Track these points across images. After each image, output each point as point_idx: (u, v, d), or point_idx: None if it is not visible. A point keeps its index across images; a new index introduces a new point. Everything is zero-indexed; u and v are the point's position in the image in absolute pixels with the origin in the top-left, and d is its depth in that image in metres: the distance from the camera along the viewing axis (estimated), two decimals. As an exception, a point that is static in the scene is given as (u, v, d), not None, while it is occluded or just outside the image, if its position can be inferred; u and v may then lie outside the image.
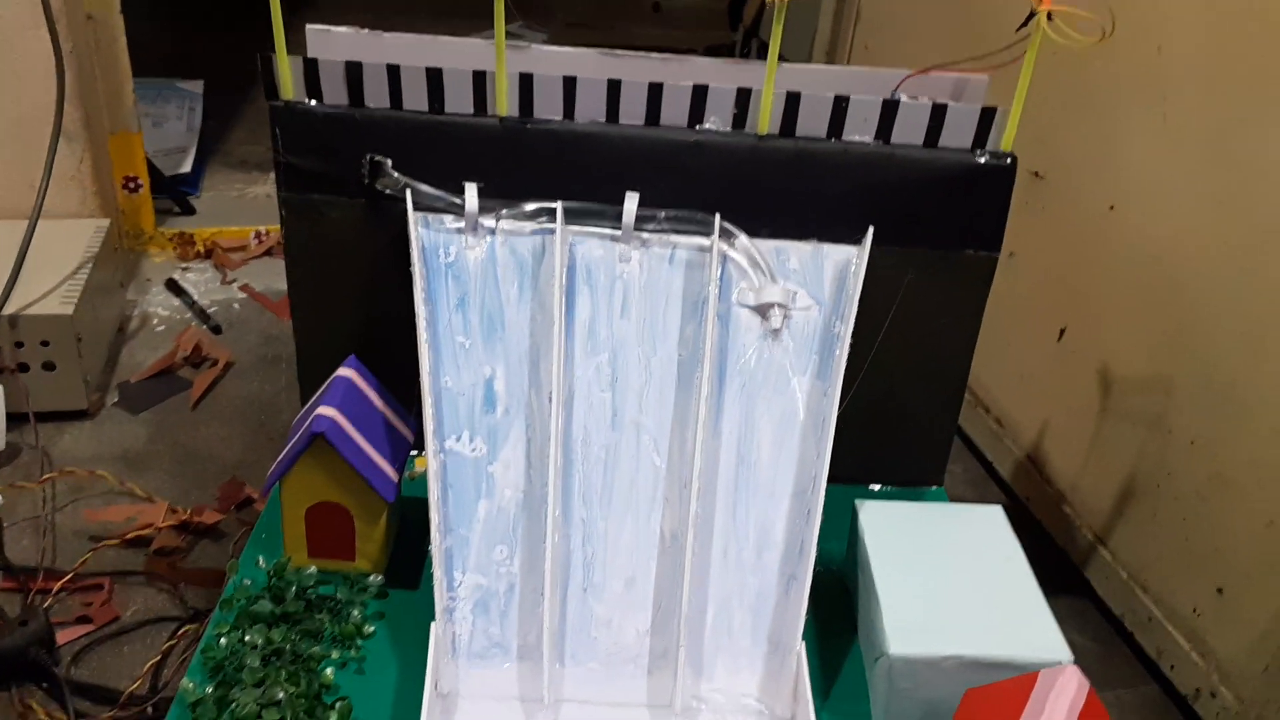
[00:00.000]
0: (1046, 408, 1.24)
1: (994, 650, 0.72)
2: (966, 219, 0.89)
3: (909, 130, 0.87)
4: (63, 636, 0.94)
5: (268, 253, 1.60)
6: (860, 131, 0.86)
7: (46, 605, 0.96)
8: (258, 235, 1.61)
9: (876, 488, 1.00)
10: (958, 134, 0.87)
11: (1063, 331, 1.20)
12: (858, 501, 0.85)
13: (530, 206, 0.87)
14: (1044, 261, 1.23)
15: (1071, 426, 1.19)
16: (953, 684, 0.72)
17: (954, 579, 0.78)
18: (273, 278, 1.55)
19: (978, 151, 0.88)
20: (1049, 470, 1.24)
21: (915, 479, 1.00)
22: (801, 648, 0.74)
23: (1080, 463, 1.17)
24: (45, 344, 1.18)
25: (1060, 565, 1.16)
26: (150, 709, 0.87)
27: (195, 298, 1.47)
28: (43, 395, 1.19)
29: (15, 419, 1.16)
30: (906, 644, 0.72)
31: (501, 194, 0.86)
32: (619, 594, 0.79)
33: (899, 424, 0.97)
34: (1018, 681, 0.68)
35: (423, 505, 0.84)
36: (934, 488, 1.01)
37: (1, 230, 1.30)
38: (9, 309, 1.16)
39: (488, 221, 0.87)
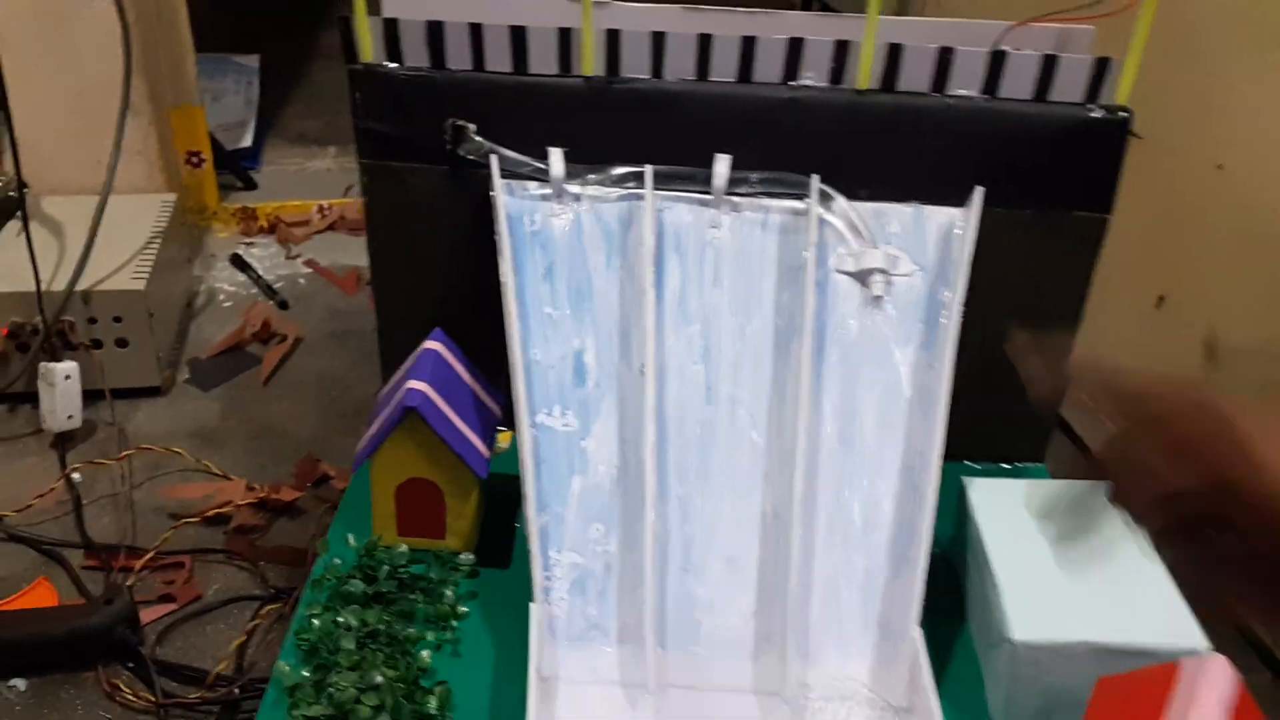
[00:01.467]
0: (1143, 378, 1.19)
1: (1126, 637, 0.68)
2: (1076, 178, 0.84)
3: (1017, 84, 0.82)
4: (146, 615, 0.93)
5: (330, 227, 1.58)
6: (965, 85, 0.82)
7: (129, 584, 0.95)
8: (320, 209, 1.59)
9: (974, 464, 0.95)
10: (1068, 87, 0.82)
11: (1162, 299, 1.15)
12: (966, 480, 0.81)
13: (617, 171, 0.83)
14: (1142, 225, 1.17)
15: (1172, 397, 1.13)
16: (1079, 672, 0.68)
17: (1074, 561, 0.74)
18: (337, 252, 1.53)
19: (1090, 106, 0.82)
20: (1146, 443, 1.18)
21: (1015, 455, 0.96)
22: (919, 633, 0.71)
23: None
24: (118, 320, 1.18)
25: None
26: (237, 690, 0.86)
27: (260, 273, 1.46)
28: (116, 372, 1.18)
29: (90, 396, 1.15)
30: (1031, 629, 0.69)
31: (587, 158, 0.83)
32: (720, 575, 0.76)
33: (1000, 397, 0.92)
34: (1156, 671, 0.63)
35: (505, 481, 0.81)
36: (1034, 464, 0.96)
37: (69, 206, 1.29)
38: (82, 284, 1.16)
39: (573, 187, 0.84)
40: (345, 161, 1.76)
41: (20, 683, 0.86)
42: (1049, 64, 0.81)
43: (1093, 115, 0.82)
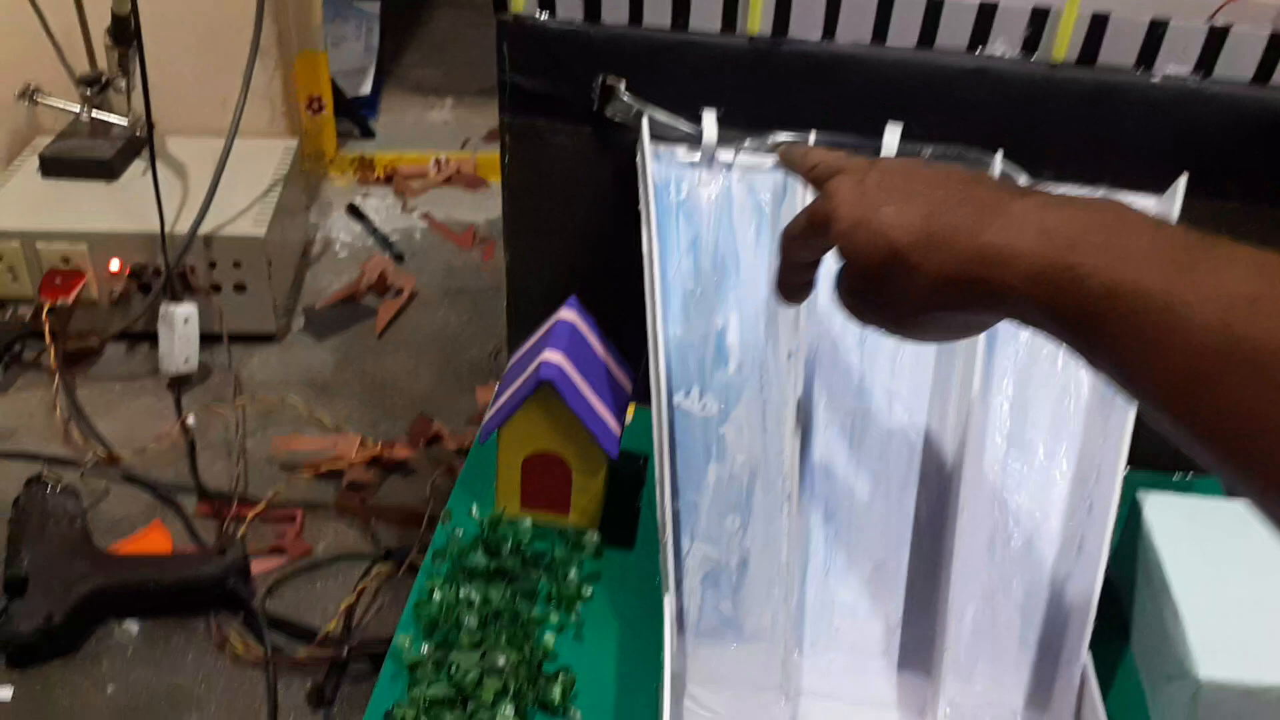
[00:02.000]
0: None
1: (1328, 685, 0.61)
2: (1292, 171, 0.75)
3: (1236, 63, 0.73)
4: (257, 567, 0.91)
5: (447, 181, 1.55)
6: (1176, 62, 0.73)
7: (241, 534, 0.94)
8: (437, 163, 1.57)
9: (1139, 473, 0.88)
10: (1292, 69, 0.73)
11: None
12: (1142, 493, 0.74)
13: (777, 138, 0.78)
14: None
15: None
16: (1268, 718, 0.61)
17: (1267, 590, 0.67)
18: (453, 207, 1.50)
19: (1316, 91, 0.74)
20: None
21: (1185, 464, 0.88)
22: (1088, 661, 0.65)
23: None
24: (237, 265, 1.16)
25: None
26: (346, 650, 0.84)
27: (376, 224, 1.44)
28: (233, 317, 1.17)
29: (207, 340, 1.15)
30: (1219, 667, 0.62)
31: (744, 124, 0.77)
32: (866, 580, 0.71)
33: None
34: (1365, 729, 0.57)
35: (626, 458, 0.77)
36: (1208, 476, 0.88)
37: (192, 147, 1.28)
38: (204, 229, 1.14)
39: (725, 155, 0.78)
40: (463, 114, 1.73)
41: (133, 625, 0.86)
42: (1275, 43, 0.72)
43: (1318, 102, 0.73)
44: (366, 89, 1.71)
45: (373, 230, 1.42)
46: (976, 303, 0.44)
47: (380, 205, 1.50)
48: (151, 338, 1.14)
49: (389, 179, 1.54)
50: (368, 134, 1.62)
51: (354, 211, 1.46)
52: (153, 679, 0.82)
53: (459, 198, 1.52)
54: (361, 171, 1.54)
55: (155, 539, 0.94)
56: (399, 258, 1.37)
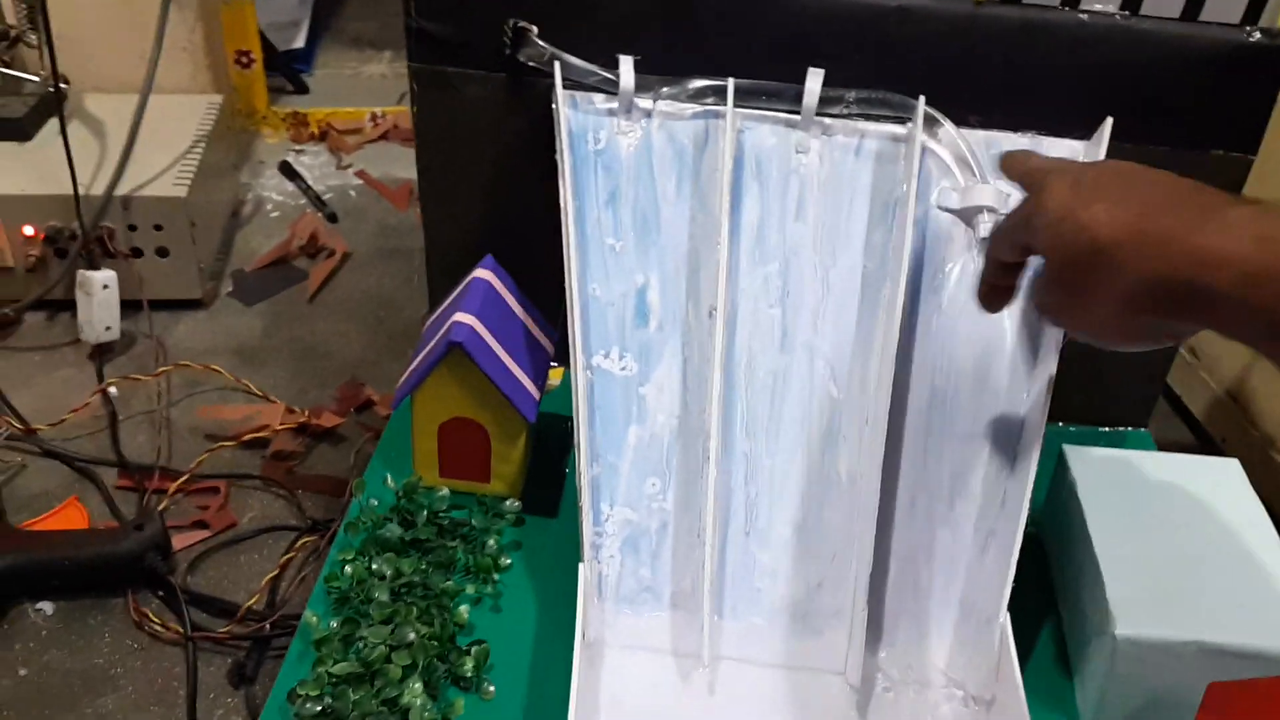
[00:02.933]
0: (1257, 338, 1.08)
1: (1245, 638, 0.60)
2: (1223, 112, 0.73)
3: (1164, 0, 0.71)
4: (178, 541, 0.89)
5: (383, 136, 1.50)
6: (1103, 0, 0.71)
7: (162, 508, 0.91)
8: (373, 117, 1.52)
9: (1071, 428, 0.87)
10: (1224, 5, 0.71)
11: (1289, 250, 1.03)
12: (1066, 448, 0.72)
13: (695, 83, 0.74)
14: (1271, 165, 1.05)
15: (1290, 361, 1.02)
16: (1187, 673, 0.60)
17: (1189, 547, 0.66)
18: (389, 163, 1.45)
19: (1248, 28, 0.71)
20: (1255, 410, 1.08)
21: (1116, 419, 0.87)
22: (1006, 620, 0.63)
23: (1297, 403, 1.01)
24: (159, 228, 1.12)
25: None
26: (268, 626, 0.81)
27: (310, 183, 1.39)
28: (156, 283, 1.13)
29: (129, 307, 1.10)
30: (1137, 623, 0.61)
31: (662, 69, 0.74)
32: (786, 541, 0.69)
33: (1104, 356, 0.83)
34: (1277, 683, 0.56)
35: (554, 421, 0.75)
36: (1138, 430, 0.87)
37: (109, 104, 1.23)
38: (121, 189, 1.10)
39: (644, 102, 0.75)
40: (401, 67, 1.67)
41: (48, 606, 0.83)
42: (1204, -24, 0.70)
43: (1250, 39, 0.71)
44: (300, 42, 1.65)
45: (305, 189, 1.38)
46: (1183, 308, 0.43)
47: (314, 163, 1.45)
48: (72, 306, 1.10)
49: (323, 135, 1.49)
50: (301, 89, 1.57)
51: (286, 169, 1.41)
52: (67, 660, 0.80)
53: (395, 153, 1.47)
54: (294, 128, 1.49)
55: (71, 515, 0.91)
56: (332, 218, 1.33)
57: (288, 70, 1.57)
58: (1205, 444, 1.12)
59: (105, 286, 1.08)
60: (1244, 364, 1.09)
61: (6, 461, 0.95)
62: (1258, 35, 0.71)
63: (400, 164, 1.45)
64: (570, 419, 0.69)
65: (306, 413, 1.01)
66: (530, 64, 0.75)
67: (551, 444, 0.81)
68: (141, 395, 1.04)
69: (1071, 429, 0.87)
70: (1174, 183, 0.46)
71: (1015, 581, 0.71)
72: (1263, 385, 1.07)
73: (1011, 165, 0.58)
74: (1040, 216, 0.48)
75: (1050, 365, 0.67)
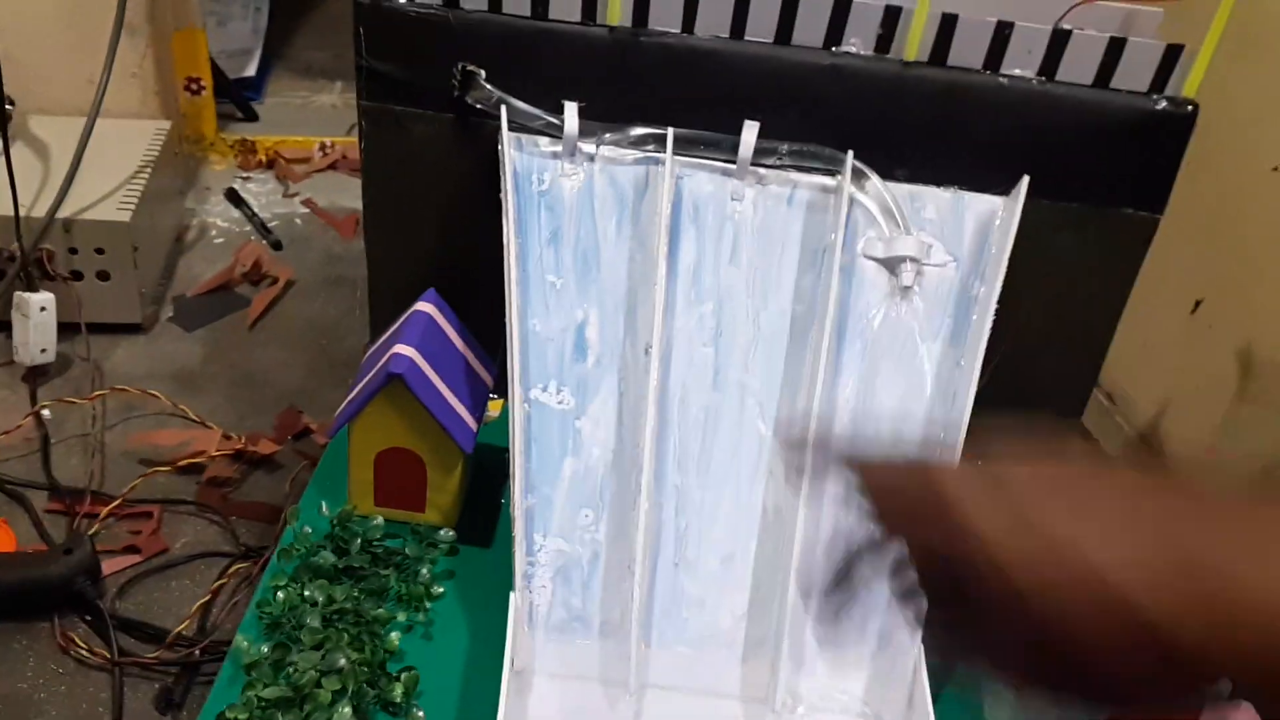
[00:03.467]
0: (1169, 385, 1.13)
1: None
2: (1132, 173, 0.78)
3: (1078, 66, 0.75)
4: (109, 566, 0.88)
5: (332, 166, 1.51)
6: (1022, 64, 0.75)
7: (92, 532, 0.90)
8: (322, 147, 1.53)
9: (991, 466, 0.90)
10: (1133, 74, 0.76)
11: (1198, 304, 1.09)
12: (984, 486, 0.75)
13: (636, 131, 0.77)
14: (1184, 225, 1.10)
15: (1199, 407, 1.08)
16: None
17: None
18: (337, 193, 1.46)
19: (1154, 96, 0.76)
20: (1166, 452, 1.13)
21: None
22: (919, 652, 0.66)
23: (1207, 447, 1.07)
24: (100, 252, 1.12)
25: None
26: (198, 652, 0.81)
27: (256, 210, 1.40)
28: (96, 306, 1.13)
29: (66, 330, 1.10)
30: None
31: (605, 115, 0.77)
32: (714, 572, 0.71)
33: (1025, 398, 0.87)
34: (1176, 717, 0.59)
35: (492, 454, 0.76)
36: (1054, 470, 0.91)
37: (56, 127, 1.22)
38: (63, 212, 1.10)
39: (587, 146, 0.78)
40: (351, 98, 1.67)
41: (-29, 628, 0.82)
42: (1115, 47, 0.75)
43: (1157, 107, 0.76)
44: (252, 70, 1.66)
45: (251, 216, 1.38)
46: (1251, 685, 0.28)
47: (261, 190, 1.46)
48: (6, 327, 1.09)
49: (271, 163, 1.50)
50: (251, 116, 1.57)
51: (233, 196, 1.42)
52: (-11, 685, 0.79)
53: (343, 183, 1.48)
54: (243, 155, 1.50)
55: (-2, 538, 0.90)
56: (277, 245, 1.34)
57: (238, 98, 1.57)
58: (1121, 487, 1.17)
59: (42, 309, 1.07)
60: (1157, 409, 1.15)
61: (-67, 483, 0.94)
62: (1164, 103, 0.76)
63: (348, 194, 1.46)
64: (508, 450, 0.70)
65: (243, 439, 1.01)
66: (478, 106, 0.77)
67: (489, 475, 0.82)
68: (76, 418, 1.04)
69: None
70: (1147, 484, 0.32)
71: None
72: (1174, 430, 1.12)
73: (860, 477, 0.38)
74: (982, 558, 0.31)
75: (966, 405, 0.71)
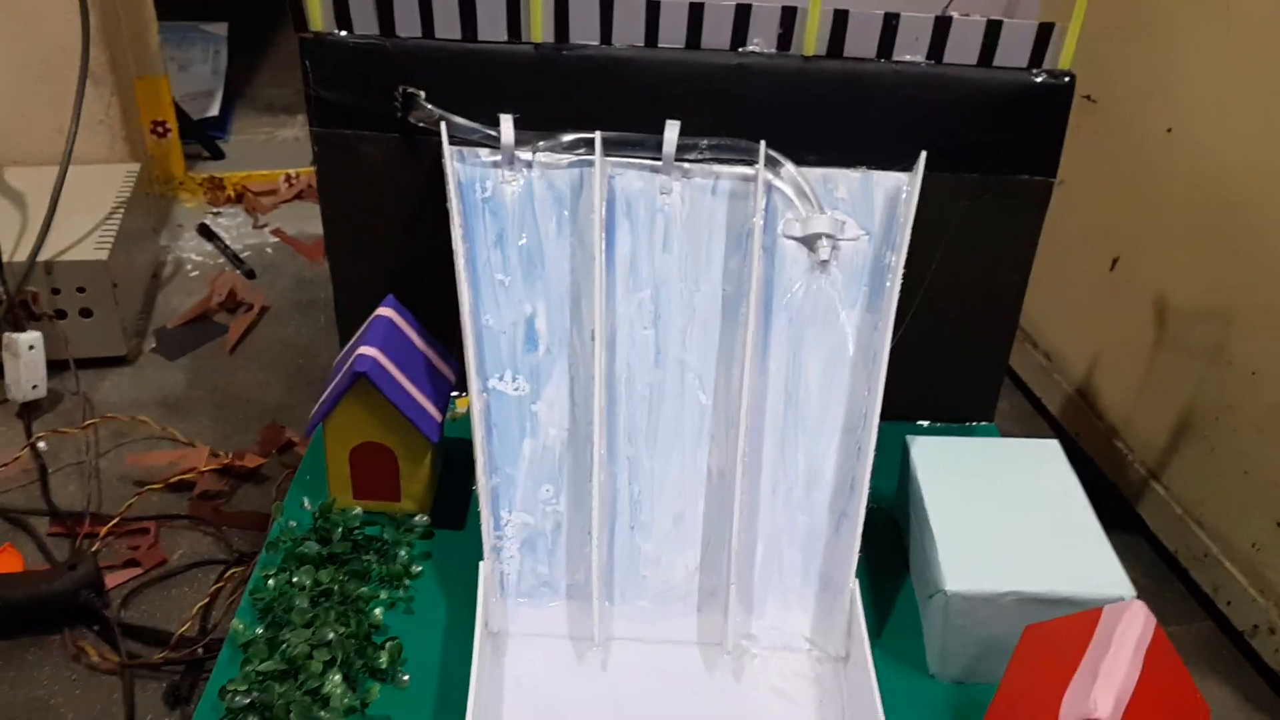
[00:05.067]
0: (1098, 341, 1.21)
1: (1053, 586, 0.70)
2: (1021, 142, 0.85)
3: (962, 49, 0.83)
4: (112, 580, 0.94)
5: (298, 196, 1.58)
6: (911, 51, 0.83)
7: (94, 549, 0.96)
8: (288, 178, 1.59)
9: (925, 424, 0.98)
10: (1013, 52, 0.83)
11: (1115, 261, 1.16)
12: (909, 438, 0.83)
13: (567, 137, 0.84)
14: (1096, 189, 1.19)
15: (1124, 359, 1.15)
16: (1011, 621, 0.70)
17: (1010, 514, 0.76)
18: (304, 221, 1.53)
19: (1034, 70, 0.84)
20: (1100, 405, 1.20)
21: (965, 415, 0.98)
22: (855, 585, 0.73)
23: (1134, 396, 1.14)
24: (81, 290, 1.18)
25: (1111, 501, 1.13)
26: (201, 650, 0.87)
27: (228, 242, 1.46)
28: (81, 342, 1.19)
29: (55, 366, 1.16)
30: (964, 580, 0.71)
31: (538, 125, 0.84)
32: (667, 531, 0.78)
33: (948, 358, 0.95)
34: (1080, 618, 0.66)
35: (465, 446, 0.83)
36: (984, 423, 0.98)
37: (31, 176, 1.29)
38: (44, 255, 1.16)
39: (524, 154, 0.85)
40: (313, 130, 1.76)
41: (-14, 646, 0.88)
42: (993, 30, 0.82)
43: (1036, 80, 0.83)
44: (215, 110, 1.73)
45: (224, 248, 1.44)
46: None
47: (231, 224, 1.52)
48: (-2, 367, 1.15)
49: (240, 197, 1.56)
50: (217, 155, 1.64)
51: (205, 231, 1.48)
52: (8, 695, 0.84)
53: (310, 211, 1.55)
54: (212, 192, 1.56)
55: (6, 561, 0.96)
56: (250, 274, 1.40)
57: (203, 137, 1.64)
58: (1064, 438, 1.24)
59: (31, 347, 1.13)
60: (1089, 364, 1.22)
61: (-61, 516, 1.00)
62: (1043, 76, 0.83)
63: (314, 221, 1.52)
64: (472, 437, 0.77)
65: (230, 455, 1.07)
66: (420, 125, 0.84)
67: (460, 465, 0.89)
68: (70, 447, 1.10)
69: (925, 425, 0.97)
70: None
71: (878, 557, 0.81)
72: (1105, 384, 1.20)
73: None
74: None
75: (883, 365, 0.77)
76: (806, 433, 0.79)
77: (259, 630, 0.71)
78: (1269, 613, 0.94)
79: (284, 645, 0.70)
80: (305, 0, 0.81)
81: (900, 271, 0.80)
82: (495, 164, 0.84)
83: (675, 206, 0.85)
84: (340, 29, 0.83)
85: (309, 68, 0.84)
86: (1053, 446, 0.83)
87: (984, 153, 0.85)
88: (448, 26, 0.82)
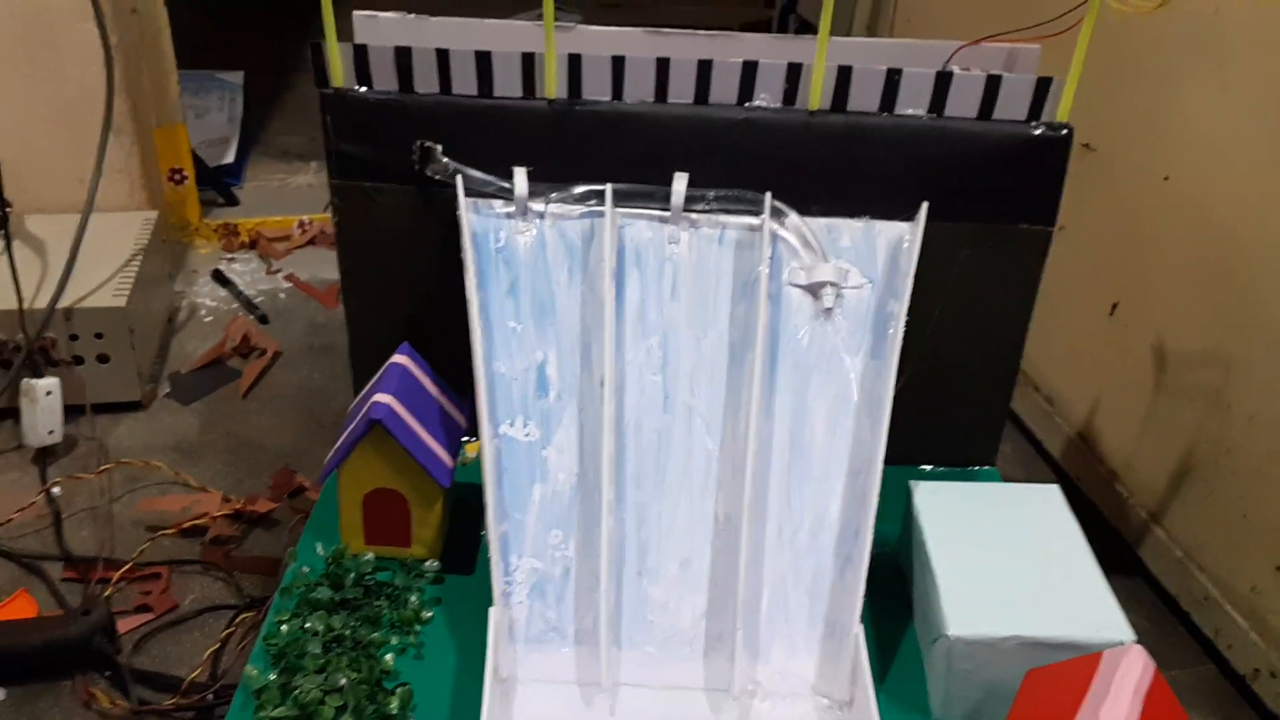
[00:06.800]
0: (1098, 385, 1.22)
1: (1055, 631, 0.71)
2: (1021, 192, 0.87)
3: (962, 103, 0.85)
4: (123, 625, 0.95)
5: (311, 242, 1.61)
6: (913, 105, 0.85)
7: (106, 594, 0.97)
8: (301, 225, 1.62)
9: (928, 468, 0.99)
10: (1012, 105, 0.86)
11: (1115, 306, 1.18)
12: (912, 483, 0.84)
13: (579, 189, 0.86)
14: (1095, 235, 1.21)
15: (1125, 403, 1.16)
16: (1013, 665, 0.71)
17: (1012, 559, 0.77)
18: (317, 266, 1.56)
19: (1033, 123, 0.86)
20: (1101, 448, 1.21)
21: (967, 459, 0.99)
22: (859, 630, 0.74)
23: (1134, 440, 1.15)
24: (99, 336, 1.20)
25: (1112, 544, 1.14)
26: (211, 696, 0.88)
27: (241, 288, 1.48)
28: (97, 387, 1.21)
29: (71, 411, 1.18)
30: (966, 625, 0.72)
31: (551, 177, 0.86)
32: (674, 577, 0.79)
33: (950, 403, 0.96)
34: (1080, 662, 0.67)
35: (474, 490, 0.84)
36: (986, 468, 0.99)
37: (52, 224, 1.32)
38: (63, 302, 1.18)
39: (537, 205, 0.87)
40: (325, 177, 1.79)
41: (0, 692, 0.89)
42: (993, 84, 0.84)
43: (1035, 132, 0.85)
44: (230, 157, 1.76)
45: (238, 294, 1.47)
46: None
47: (245, 269, 1.55)
48: (15, 413, 1.17)
49: (254, 243, 1.59)
50: (232, 201, 1.67)
51: (219, 277, 1.50)
52: (20, 739, 0.85)
53: (323, 257, 1.57)
54: (226, 238, 1.59)
55: (20, 606, 0.97)
56: (263, 319, 1.42)
57: (219, 184, 1.67)
58: (1065, 482, 1.25)
59: (48, 393, 1.15)
60: (1090, 408, 1.23)
61: (-45, 561, 1.01)
62: (1041, 129, 0.86)
63: (327, 266, 1.55)
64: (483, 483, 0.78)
65: (242, 500, 1.08)
66: (437, 177, 0.86)
67: (471, 510, 0.90)
68: (84, 493, 1.11)
69: (927, 469, 0.98)
70: None
71: (882, 602, 0.82)
72: (1106, 427, 1.21)
73: None
74: None
75: (886, 411, 0.79)
76: (812, 477, 0.81)
77: (272, 676, 0.72)
78: (1269, 656, 0.94)
79: (296, 691, 0.71)
80: (327, 58, 0.84)
81: (903, 318, 0.81)
82: (509, 215, 0.87)
83: (683, 256, 0.87)
84: (360, 85, 0.86)
85: (330, 122, 0.86)
86: (1054, 492, 0.84)
87: (984, 202, 0.87)
88: (464, 83, 0.85)
